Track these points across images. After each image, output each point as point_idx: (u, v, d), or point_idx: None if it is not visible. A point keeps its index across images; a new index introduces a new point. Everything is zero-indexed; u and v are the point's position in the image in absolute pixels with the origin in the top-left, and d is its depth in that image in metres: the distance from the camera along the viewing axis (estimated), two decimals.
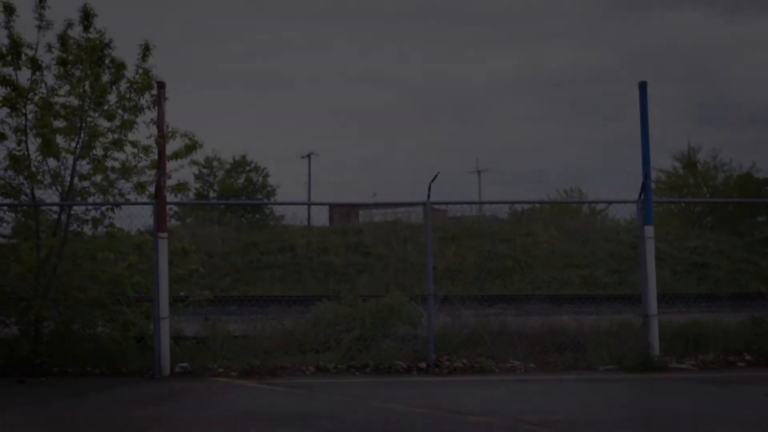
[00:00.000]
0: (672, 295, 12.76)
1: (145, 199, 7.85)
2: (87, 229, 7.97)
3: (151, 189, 7.75)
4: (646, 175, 7.84)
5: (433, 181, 7.80)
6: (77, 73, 7.62)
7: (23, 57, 7.57)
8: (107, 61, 7.71)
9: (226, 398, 6.26)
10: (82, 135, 7.66)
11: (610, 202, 8.95)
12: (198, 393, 6.49)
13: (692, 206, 24.53)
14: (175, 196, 8.01)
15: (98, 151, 7.74)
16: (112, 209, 7.94)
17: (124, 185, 7.92)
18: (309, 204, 13.33)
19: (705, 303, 12.39)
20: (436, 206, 8.88)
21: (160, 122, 7.58)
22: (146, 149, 7.83)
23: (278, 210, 28.00)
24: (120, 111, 7.78)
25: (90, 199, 7.93)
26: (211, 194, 29.88)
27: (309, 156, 40.12)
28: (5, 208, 7.81)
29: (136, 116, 7.81)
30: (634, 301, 11.75)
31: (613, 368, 7.56)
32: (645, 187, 7.85)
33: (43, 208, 7.89)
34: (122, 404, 6.07)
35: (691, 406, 5.82)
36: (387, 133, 79.39)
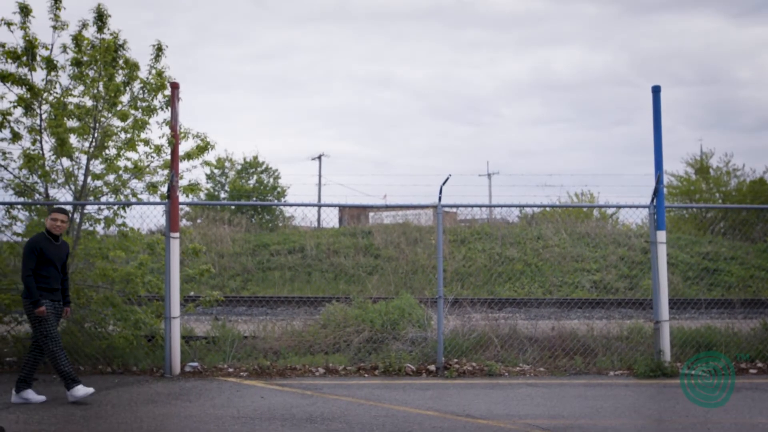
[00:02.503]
0: (683, 301, 12.69)
1: (157, 199, 7.90)
2: (99, 228, 8.03)
3: (163, 189, 7.80)
4: (659, 179, 7.79)
5: (444, 183, 7.79)
6: (91, 73, 7.69)
7: (38, 57, 7.64)
8: (121, 61, 7.78)
9: (236, 398, 6.28)
10: (95, 135, 7.72)
11: (621, 207, 8.89)
12: (208, 393, 6.52)
13: (704, 212, 24.34)
14: (187, 196, 8.06)
15: (111, 151, 7.81)
16: (125, 209, 8.00)
17: (137, 185, 8.00)
18: (319, 205, 13.30)
19: (717, 309, 12.31)
20: (447, 209, 8.86)
21: (173, 123, 7.63)
22: (159, 149, 7.88)
23: (288, 211, 28.09)
24: (133, 111, 7.85)
25: (103, 199, 7.99)
26: (222, 195, 29.98)
27: (320, 157, 40.18)
28: (19, 206, 7.88)
29: (149, 116, 7.87)
30: (645, 307, 11.73)
31: (623, 373, 7.52)
32: (657, 192, 7.80)
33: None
34: (133, 402, 6.10)
35: (702, 412, 5.77)
36: (397, 135, 79.48)
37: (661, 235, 7.73)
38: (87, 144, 7.74)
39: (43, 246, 6.17)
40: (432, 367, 7.59)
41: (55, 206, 6.83)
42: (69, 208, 7.42)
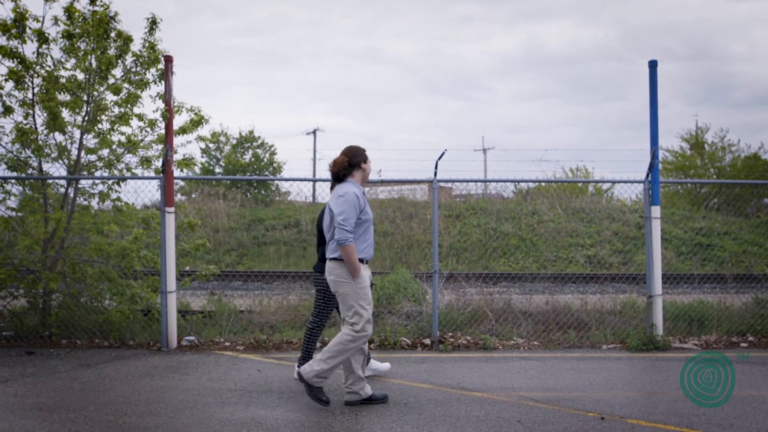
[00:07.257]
0: (677, 276, 12.79)
1: (151, 174, 7.87)
2: (94, 203, 8.01)
3: (158, 164, 7.77)
4: (654, 155, 7.79)
5: (439, 159, 7.77)
6: (83, 46, 7.60)
7: (29, 30, 7.53)
8: (113, 34, 7.67)
9: (233, 371, 6.33)
10: (88, 109, 7.65)
11: (616, 182, 8.89)
12: (205, 366, 6.56)
13: (699, 187, 24.41)
14: (182, 171, 8.03)
15: (104, 125, 7.75)
16: (119, 183, 7.97)
17: (131, 159, 7.95)
18: (314, 180, 13.26)
19: (709, 284, 12.41)
20: (442, 184, 8.86)
21: (167, 96, 7.56)
22: (152, 123, 7.83)
23: (284, 186, 28.02)
24: (126, 85, 7.77)
25: (97, 173, 7.95)
26: (218, 169, 29.85)
27: (314, 132, 39.98)
28: (13, 181, 7.84)
29: (142, 90, 7.80)
30: (639, 281, 11.81)
31: (616, 347, 7.60)
32: (652, 167, 7.80)
33: (50, 181, 7.91)
34: (130, 376, 6.14)
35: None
36: (389, 110, 79.07)
37: (656, 211, 7.75)
38: (80, 118, 7.68)
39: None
40: (427, 341, 7.65)
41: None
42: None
